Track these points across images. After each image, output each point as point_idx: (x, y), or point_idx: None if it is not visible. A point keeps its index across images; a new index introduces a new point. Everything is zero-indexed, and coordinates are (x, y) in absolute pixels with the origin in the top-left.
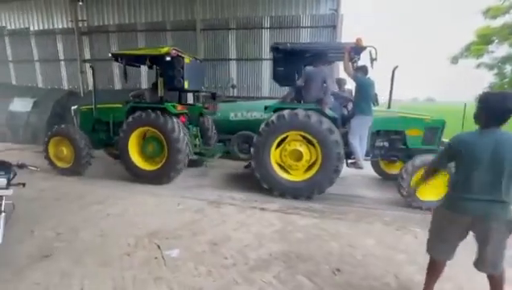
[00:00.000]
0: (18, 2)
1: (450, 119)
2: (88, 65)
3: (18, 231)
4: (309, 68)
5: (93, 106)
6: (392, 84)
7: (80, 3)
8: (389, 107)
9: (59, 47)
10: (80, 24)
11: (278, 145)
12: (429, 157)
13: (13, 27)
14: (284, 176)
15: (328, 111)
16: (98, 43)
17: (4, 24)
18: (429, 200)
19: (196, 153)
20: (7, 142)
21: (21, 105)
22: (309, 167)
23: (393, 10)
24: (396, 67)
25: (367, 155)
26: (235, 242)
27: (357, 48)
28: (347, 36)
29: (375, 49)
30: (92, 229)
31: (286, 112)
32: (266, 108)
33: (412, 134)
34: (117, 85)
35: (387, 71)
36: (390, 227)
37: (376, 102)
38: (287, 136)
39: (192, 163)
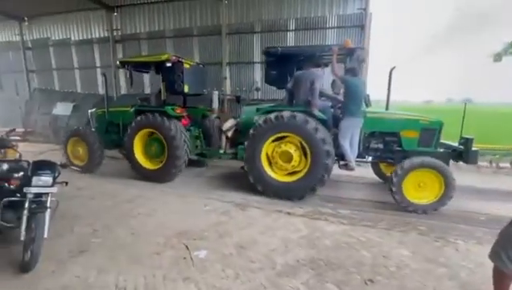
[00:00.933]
0: (61, 14)
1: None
2: (102, 73)
3: (60, 226)
4: (298, 72)
5: (106, 110)
6: (390, 86)
7: (115, 14)
8: (387, 108)
9: (96, 54)
10: (115, 33)
11: (277, 140)
12: (421, 159)
13: (57, 38)
14: (276, 177)
15: (316, 112)
16: (130, 50)
17: (49, 35)
18: (422, 203)
19: (197, 154)
20: (50, 143)
21: (62, 109)
22: (292, 173)
23: (428, 6)
24: (393, 68)
25: (362, 156)
26: (262, 245)
27: (347, 50)
28: (376, 36)
29: (364, 51)
30: (125, 227)
31: (272, 115)
32: (257, 110)
33: (407, 135)
34: (147, 90)
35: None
36: (427, 237)
37: (368, 103)
38: (287, 136)
39: (195, 164)
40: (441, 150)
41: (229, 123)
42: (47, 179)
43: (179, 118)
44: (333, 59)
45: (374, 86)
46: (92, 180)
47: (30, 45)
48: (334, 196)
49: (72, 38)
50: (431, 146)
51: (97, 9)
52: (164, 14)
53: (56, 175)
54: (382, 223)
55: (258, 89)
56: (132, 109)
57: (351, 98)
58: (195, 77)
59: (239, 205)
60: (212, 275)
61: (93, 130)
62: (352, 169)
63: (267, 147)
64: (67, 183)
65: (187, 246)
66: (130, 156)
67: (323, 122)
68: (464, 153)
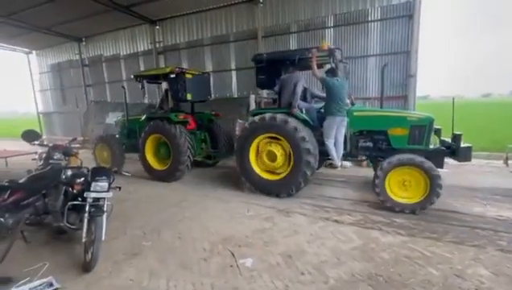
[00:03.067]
0: (112, 33)
1: None
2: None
3: (114, 228)
4: (283, 75)
5: (126, 118)
6: (382, 84)
7: (157, 27)
8: (381, 106)
9: (141, 66)
10: (157, 45)
11: (272, 138)
12: (397, 157)
13: (108, 54)
14: (265, 176)
15: (297, 113)
16: (171, 60)
17: (102, 52)
18: (408, 202)
19: (204, 156)
20: None
21: (113, 118)
22: (271, 172)
23: None
24: (385, 65)
25: (355, 156)
26: (310, 256)
27: (327, 51)
28: (428, 25)
29: (341, 51)
30: (172, 231)
31: (256, 117)
32: (247, 112)
33: (396, 133)
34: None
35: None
36: (510, 255)
37: (352, 102)
38: (263, 139)
39: (198, 164)
40: (432, 147)
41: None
42: (103, 184)
43: (184, 123)
44: (313, 61)
45: (429, 80)
46: (139, 184)
47: (87, 62)
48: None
49: (121, 53)
50: (422, 143)
51: (142, 24)
52: (202, 24)
53: (111, 180)
54: (449, 235)
55: None
56: (144, 117)
57: (331, 98)
58: (197, 86)
59: (282, 211)
60: (261, 286)
61: (117, 136)
62: (336, 167)
63: (256, 146)
64: (120, 188)
65: (232, 254)
66: (142, 158)
67: (305, 122)
68: (455, 150)
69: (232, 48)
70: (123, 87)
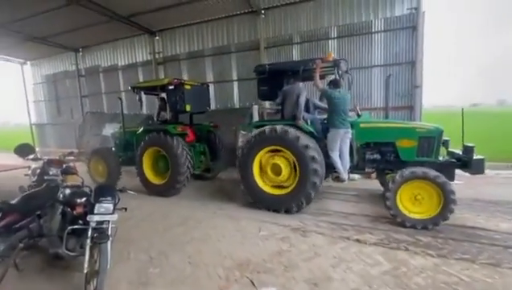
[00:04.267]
0: (109, 43)
1: None
2: (118, 97)
3: (116, 251)
4: (286, 86)
5: (123, 130)
6: (387, 94)
7: (157, 38)
8: (386, 117)
9: (140, 77)
10: (157, 56)
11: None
12: (414, 169)
13: (106, 65)
14: (271, 191)
15: (302, 125)
16: (171, 70)
17: (99, 63)
18: (421, 218)
19: (203, 169)
20: None
21: (110, 130)
22: (279, 187)
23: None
24: (389, 76)
25: (361, 168)
26: (338, 283)
27: (332, 62)
28: (428, 37)
29: (346, 62)
30: (181, 255)
31: (257, 130)
32: (249, 124)
33: (404, 145)
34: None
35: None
36: None
37: (357, 114)
38: (282, 150)
39: (198, 177)
40: (442, 159)
41: (248, 138)
42: (108, 205)
43: (183, 135)
44: (316, 72)
45: (432, 91)
46: (141, 200)
47: (83, 73)
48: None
49: (119, 63)
50: (431, 155)
51: (141, 34)
52: (203, 34)
53: (117, 201)
54: (483, 256)
55: None
56: (141, 129)
57: (334, 110)
58: (196, 97)
59: (297, 230)
60: None
61: (113, 149)
62: (343, 181)
63: (259, 160)
64: (126, 209)
65: (252, 282)
66: (139, 171)
67: (310, 133)
68: (467, 162)
69: (233, 59)
70: (120, 98)
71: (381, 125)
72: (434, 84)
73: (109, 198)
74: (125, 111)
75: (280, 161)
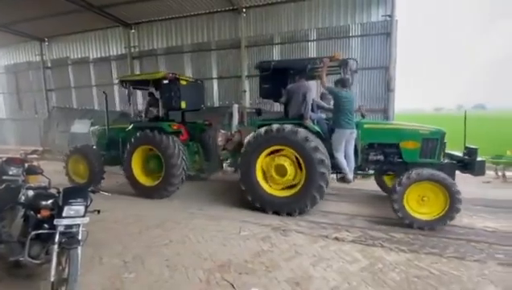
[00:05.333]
0: (80, 34)
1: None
2: (103, 91)
3: (88, 256)
4: (291, 85)
5: (106, 127)
6: (393, 96)
7: (133, 31)
8: (387, 119)
9: (114, 72)
10: (132, 50)
11: (272, 153)
12: (421, 171)
13: (75, 57)
14: (274, 192)
15: (309, 125)
16: (148, 66)
17: (68, 55)
18: (427, 219)
19: (197, 169)
20: None
21: (80, 126)
22: (287, 188)
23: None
24: (390, 78)
25: (363, 169)
26: (319, 281)
27: (339, 61)
28: (404, 42)
29: (356, 61)
30: (157, 258)
31: (262, 129)
32: (251, 124)
33: (408, 146)
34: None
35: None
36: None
37: (363, 115)
38: (282, 149)
39: (191, 178)
40: (445, 161)
41: (250, 137)
42: (79, 208)
43: (177, 133)
44: (323, 71)
45: (402, 95)
46: (113, 200)
47: (49, 64)
48: (380, 217)
49: (91, 56)
50: (434, 157)
51: (115, 26)
52: (182, 30)
53: (88, 203)
54: (450, 250)
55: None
56: (130, 126)
57: (339, 110)
58: (192, 93)
59: (278, 230)
60: None
61: (94, 147)
62: (349, 181)
63: (262, 162)
64: (99, 211)
65: (232, 285)
66: (128, 172)
67: (316, 133)
68: (469, 164)
69: (213, 57)
70: (104, 92)
71: (386, 126)
72: (401, 88)
73: (79, 200)
74: (96, 107)
75: (283, 161)
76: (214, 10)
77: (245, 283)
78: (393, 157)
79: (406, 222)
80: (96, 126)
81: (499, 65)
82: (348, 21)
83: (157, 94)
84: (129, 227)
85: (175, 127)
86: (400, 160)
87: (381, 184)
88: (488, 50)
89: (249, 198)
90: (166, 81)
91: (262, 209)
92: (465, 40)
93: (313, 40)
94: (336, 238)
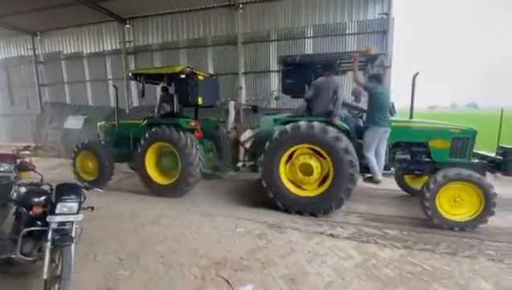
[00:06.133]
0: (73, 28)
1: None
2: (113, 85)
3: (81, 254)
4: (318, 79)
5: (116, 122)
6: (413, 92)
7: (127, 26)
8: (410, 117)
9: (108, 67)
10: (127, 45)
11: (288, 160)
12: (458, 171)
13: (69, 52)
14: (298, 192)
15: (338, 122)
16: (143, 61)
17: (61, 49)
18: (460, 220)
19: (211, 167)
20: (62, 157)
21: (74, 122)
22: (323, 181)
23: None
24: (417, 73)
25: (387, 169)
26: (314, 277)
27: (367, 57)
28: (400, 41)
29: (387, 56)
30: (153, 256)
31: (288, 126)
32: (275, 121)
33: (437, 145)
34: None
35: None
36: (502, 265)
37: (393, 112)
38: (294, 151)
39: (206, 176)
40: (475, 160)
41: (246, 134)
42: (72, 205)
43: (192, 130)
44: (355, 66)
45: (398, 94)
46: (108, 197)
47: (42, 59)
48: (374, 214)
49: (84, 51)
50: (464, 156)
51: (109, 21)
52: (178, 25)
53: (82, 200)
54: (442, 246)
55: (277, 98)
56: (144, 122)
57: (376, 107)
58: (208, 89)
59: (274, 227)
60: None
61: (103, 143)
62: (378, 182)
63: (286, 159)
64: (92, 208)
65: (228, 281)
66: (141, 170)
67: (345, 132)
68: (503, 164)
69: (210, 53)
70: (115, 86)
71: (415, 124)
72: (396, 87)
73: (73, 197)
74: (90, 103)
75: (312, 161)
76: (210, 5)
77: (240, 280)
78: (420, 156)
79: (435, 222)
80: (103, 122)
81: (493, 65)
82: (344, 18)
83: (171, 89)
84: (124, 224)
85: (192, 124)
86: (428, 160)
87: (401, 183)
88: (483, 50)
89: (270, 196)
90: (183, 76)
91: (285, 209)
92: (460, 40)
93: (310, 37)
94: (331, 235)
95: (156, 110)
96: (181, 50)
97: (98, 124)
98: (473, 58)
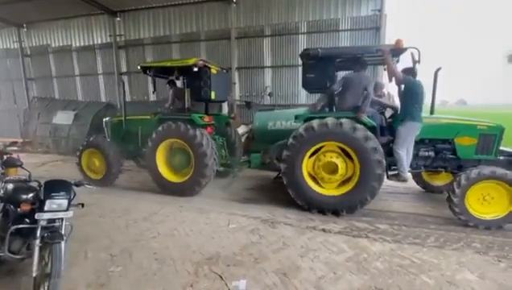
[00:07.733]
0: (61, 20)
1: None
2: (120, 78)
3: (72, 251)
4: (348, 74)
5: (123, 118)
6: (435, 88)
7: (118, 19)
8: (431, 113)
9: (98, 61)
10: (118, 39)
11: (313, 154)
12: (491, 169)
13: (57, 45)
14: (320, 190)
15: (365, 119)
16: (134, 56)
17: (49, 42)
18: (488, 218)
19: (222, 164)
20: (51, 153)
21: (63, 118)
22: (342, 183)
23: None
24: (439, 68)
25: (410, 166)
26: (306, 272)
27: (397, 51)
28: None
29: (418, 50)
30: (146, 252)
31: (314, 122)
32: (296, 117)
33: (463, 142)
34: (152, 97)
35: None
36: (487, 257)
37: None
38: (322, 146)
39: (218, 174)
40: (502, 158)
41: (240, 130)
42: (61, 202)
43: (204, 126)
44: (388, 60)
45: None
46: (100, 194)
47: (29, 52)
48: (366, 209)
49: (73, 44)
50: (491, 153)
51: (99, 14)
52: (170, 19)
53: (72, 197)
54: (431, 240)
55: (270, 95)
56: (155, 118)
57: (413, 101)
58: (220, 83)
59: (267, 222)
60: None
61: (108, 140)
62: (404, 180)
63: (308, 159)
64: (83, 205)
65: (221, 276)
66: (151, 168)
67: (373, 129)
68: None
69: (203, 47)
70: (122, 81)
71: (440, 121)
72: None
73: (62, 193)
74: (79, 98)
75: (336, 159)
76: None
77: (233, 275)
78: (445, 153)
79: (462, 219)
80: (108, 118)
81: (486, 64)
82: (338, 15)
83: (179, 83)
84: (116, 221)
85: (206, 120)
86: (452, 156)
87: (419, 179)
88: (476, 48)
89: (291, 194)
90: (195, 69)
91: (307, 208)
92: (453, 39)
93: (303, 33)
94: (323, 230)
95: (168, 105)
96: (173, 44)
97: (104, 120)
98: (467, 57)
